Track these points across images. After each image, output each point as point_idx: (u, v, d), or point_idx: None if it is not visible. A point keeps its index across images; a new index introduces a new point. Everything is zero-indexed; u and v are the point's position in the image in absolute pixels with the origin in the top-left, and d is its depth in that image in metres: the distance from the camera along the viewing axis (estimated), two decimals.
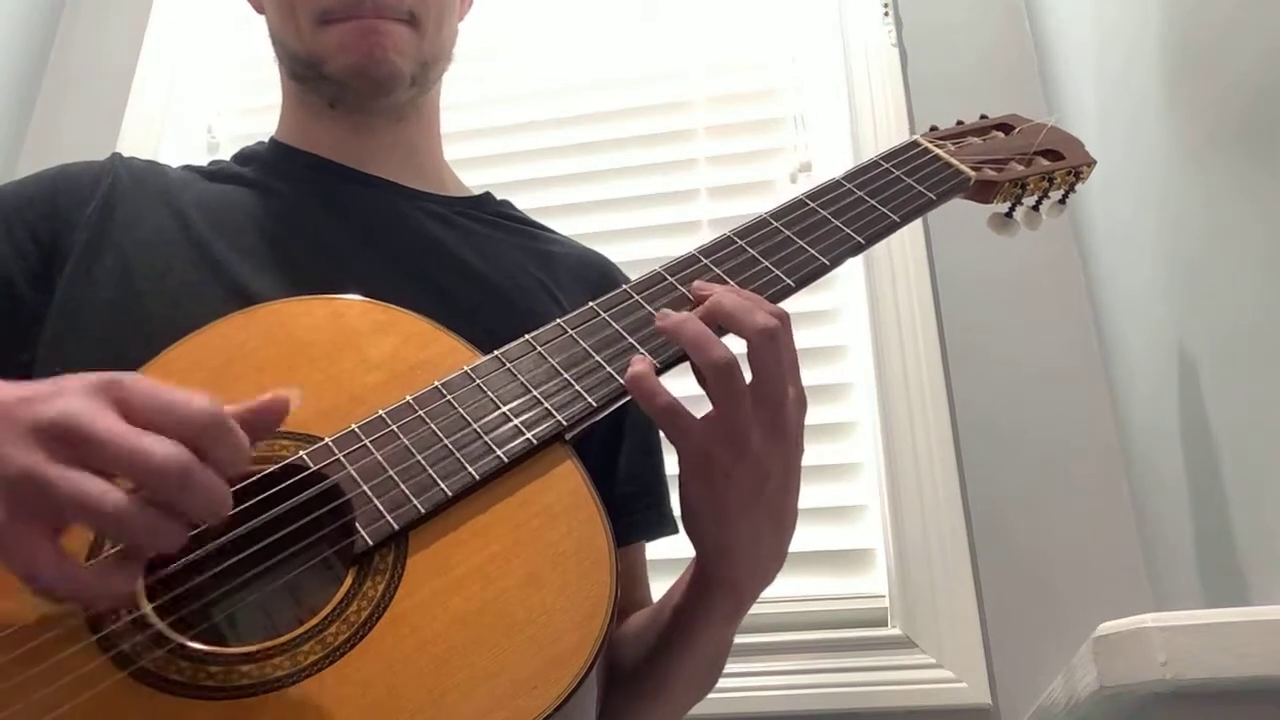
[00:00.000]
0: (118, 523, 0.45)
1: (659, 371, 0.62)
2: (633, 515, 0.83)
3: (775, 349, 0.60)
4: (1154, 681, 0.60)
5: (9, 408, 0.47)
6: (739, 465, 0.60)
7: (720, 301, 0.62)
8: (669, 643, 0.71)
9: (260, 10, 0.88)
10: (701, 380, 0.62)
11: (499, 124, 1.63)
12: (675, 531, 0.83)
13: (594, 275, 0.88)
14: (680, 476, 0.63)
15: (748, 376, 0.61)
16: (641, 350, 0.64)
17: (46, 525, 0.45)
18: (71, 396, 0.47)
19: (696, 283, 0.66)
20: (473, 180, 0.95)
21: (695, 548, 0.66)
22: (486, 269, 0.81)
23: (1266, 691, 0.60)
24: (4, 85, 1.70)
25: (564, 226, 0.96)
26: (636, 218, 1.51)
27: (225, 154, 0.90)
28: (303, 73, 0.84)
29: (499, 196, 0.94)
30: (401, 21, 0.80)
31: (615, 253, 0.94)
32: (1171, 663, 0.60)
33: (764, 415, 0.60)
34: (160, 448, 0.46)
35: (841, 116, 1.50)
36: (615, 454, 0.83)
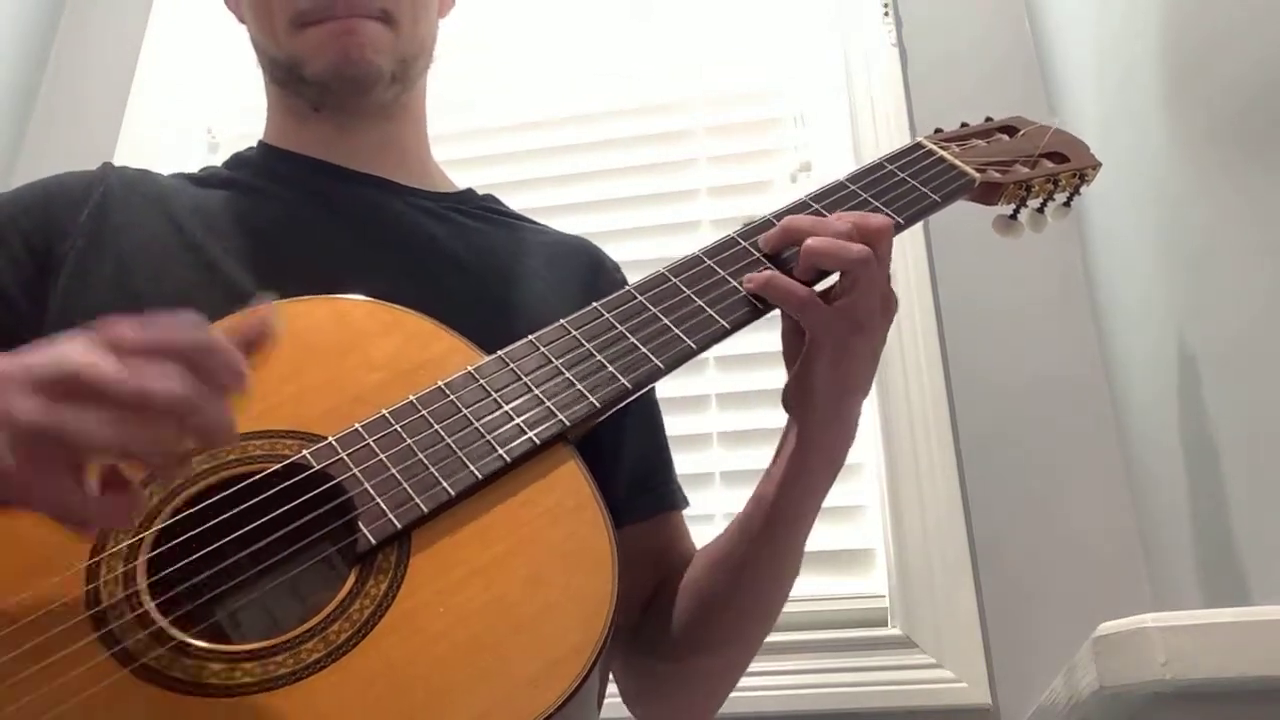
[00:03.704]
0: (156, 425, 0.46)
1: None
2: (655, 490, 0.84)
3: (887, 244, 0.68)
4: (1154, 681, 0.60)
5: (5, 369, 0.47)
6: (865, 343, 0.67)
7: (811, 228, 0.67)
8: (768, 542, 0.73)
9: (243, 20, 0.88)
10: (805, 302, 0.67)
11: (500, 124, 1.63)
12: (688, 505, 0.86)
13: (583, 262, 0.89)
14: (807, 358, 0.69)
15: None
16: (644, 349, 0.64)
17: (68, 468, 0.46)
18: (64, 346, 0.48)
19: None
20: (473, 180, 0.95)
21: (805, 427, 0.71)
22: (480, 263, 0.82)
23: (1266, 691, 0.60)
24: (3, 85, 1.70)
25: (564, 226, 0.96)
26: (636, 217, 1.51)
27: (225, 154, 0.91)
28: (284, 78, 0.85)
29: (499, 196, 0.94)
30: (375, 19, 0.81)
31: (615, 253, 0.94)
32: (1171, 663, 0.60)
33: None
34: (160, 381, 0.46)
35: (841, 116, 1.50)
36: (621, 438, 0.83)
